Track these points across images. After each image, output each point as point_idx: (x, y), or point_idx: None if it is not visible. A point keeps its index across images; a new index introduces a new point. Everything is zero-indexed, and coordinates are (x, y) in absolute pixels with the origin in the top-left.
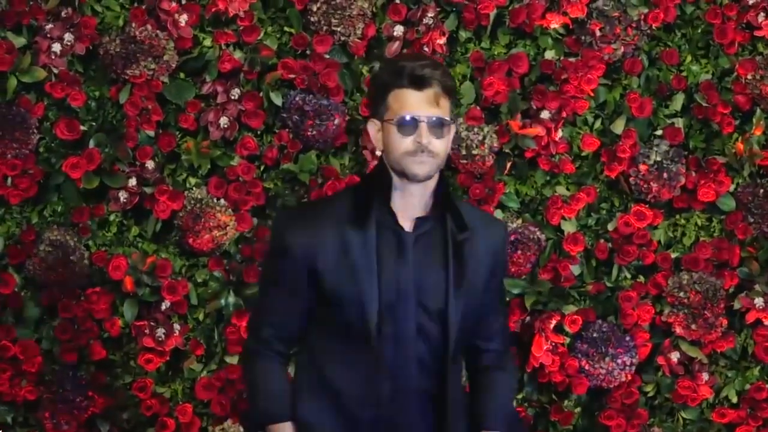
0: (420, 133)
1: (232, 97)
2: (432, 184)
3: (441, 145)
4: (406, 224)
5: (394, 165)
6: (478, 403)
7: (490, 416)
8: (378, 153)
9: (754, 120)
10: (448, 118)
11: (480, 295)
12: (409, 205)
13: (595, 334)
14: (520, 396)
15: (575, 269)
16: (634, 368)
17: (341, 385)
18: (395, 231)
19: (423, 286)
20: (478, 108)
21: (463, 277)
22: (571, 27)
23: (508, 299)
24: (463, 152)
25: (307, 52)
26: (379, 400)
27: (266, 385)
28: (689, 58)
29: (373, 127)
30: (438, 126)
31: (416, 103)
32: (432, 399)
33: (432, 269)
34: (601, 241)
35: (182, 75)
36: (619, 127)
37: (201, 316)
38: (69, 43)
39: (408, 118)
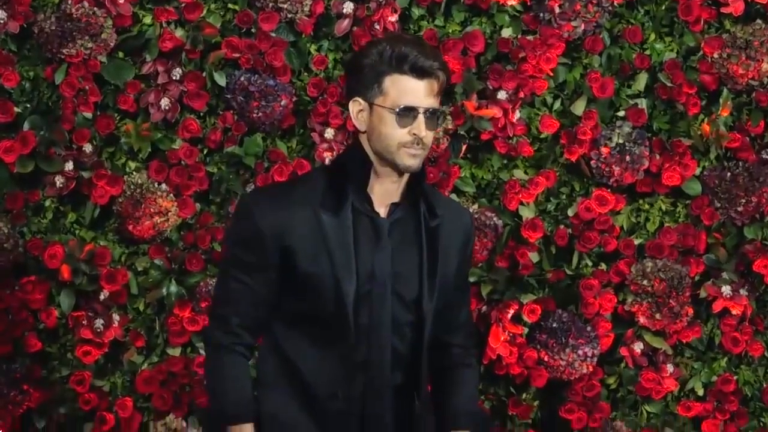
0: (418, 125)
1: (174, 78)
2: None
3: (432, 137)
4: (381, 210)
5: (384, 153)
6: (446, 402)
7: (459, 416)
8: (363, 130)
9: (720, 100)
10: (443, 110)
11: (452, 283)
12: (387, 191)
13: (554, 324)
14: None
15: (534, 256)
16: (595, 360)
17: (310, 378)
18: (371, 217)
19: (398, 275)
20: None
21: (437, 266)
22: (528, 3)
23: None
24: None
25: (253, 30)
26: (350, 394)
27: (229, 383)
28: (653, 35)
29: (356, 107)
30: (434, 118)
31: (417, 92)
32: (402, 392)
33: (407, 257)
34: (561, 227)
35: (121, 54)
36: (579, 108)
37: (141, 306)
38: (2, 21)
39: (409, 107)
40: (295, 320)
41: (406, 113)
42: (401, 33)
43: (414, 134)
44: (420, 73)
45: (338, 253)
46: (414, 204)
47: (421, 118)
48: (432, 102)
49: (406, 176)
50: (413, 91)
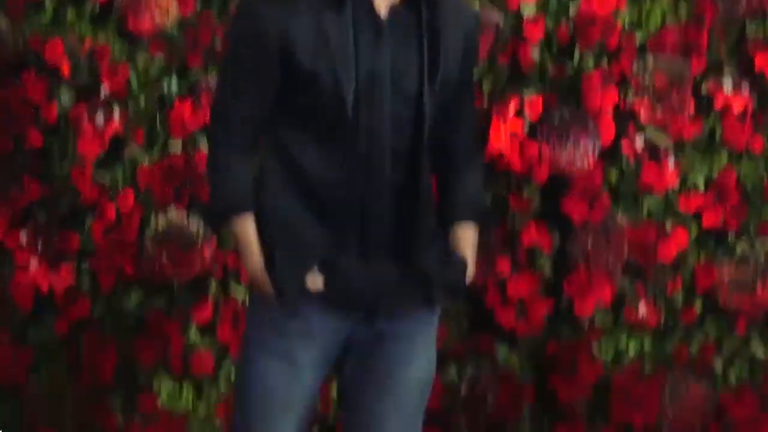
0: None
1: None
2: None
3: None
4: (382, 11)
5: None
6: (447, 198)
7: (459, 207)
8: None
9: None
10: None
11: (455, 80)
12: None
13: (556, 119)
14: None
15: (535, 53)
16: (597, 154)
17: (311, 176)
18: (371, 15)
19: (398, 72)
20: None
21: (438, 64)
22: None
23: None
24: None
25: None
26: (350, 192)
27: (228, 177)
28: None
29: None
30: None
31: None
32: (403, 193)
33: (407, 55)
34: (563, 22)
35: None
36: None
37: (142, 102)
38: None
39: None
40: (295, 119)
41: None
42: None
43: None
44: None
45: (338, 51)
46: (416, 6)
47: None
48: None
49: None
50: None
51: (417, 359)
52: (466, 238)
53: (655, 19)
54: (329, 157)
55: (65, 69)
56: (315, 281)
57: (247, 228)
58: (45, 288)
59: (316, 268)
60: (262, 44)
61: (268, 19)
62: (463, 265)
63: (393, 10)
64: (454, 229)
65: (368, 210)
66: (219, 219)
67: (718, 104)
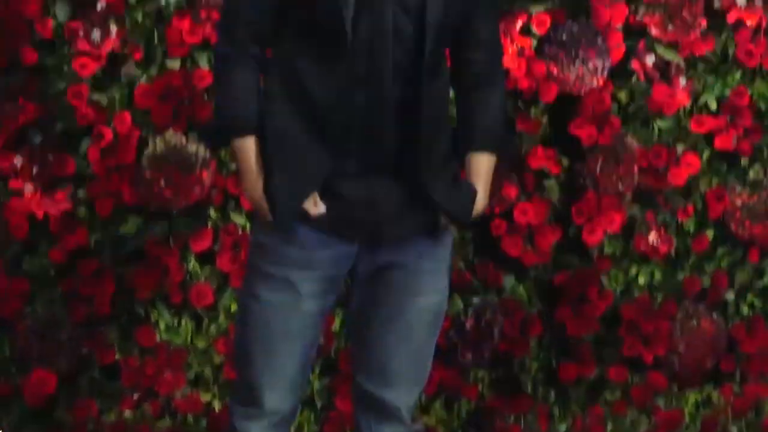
0: None
1: None
2: None
3: None
4: None
5: None
6: (465, 123)
7: (476, 136)
8: None
9: None
10: None
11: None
12: None
13: (564, 36)
14: None
15: None
16: (606, 72)
17: (312, 91)
18: None
19: None
20: None
21: None
22: None
23: None
24: None
25: None
26: (351, 107)
27: (233, 94)
28: None
29: None
30: None
31: None
32: (406, 112)
33: None
34: None
35: None
36: None
37: (140, 17)
38: None
39: None
40: (297, 35)
41: None
42: None
43: None
44: None
45: None
46: None
47: None
48: None
49: None
50: None
51: (425, 290)
52: (480, 167)
53: None
54: (329, 75)
55: None
56: (314, 206)
57: (249, 150)
58: (40, 215)
59: (315, 192)
60: None
61: None
62: (472, 193)
63: None
64: (470, 157)
65: (370, 129)
66: (221, 137)
67: (731, 19)
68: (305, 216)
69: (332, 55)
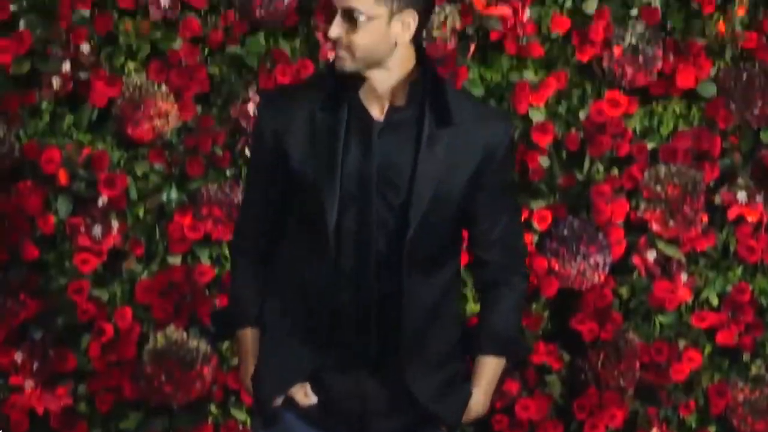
0: (332, 24)
1: None
2: (397, 75)
3: (356, 41)
4: (377, 112)
5: None
6: (478, 323)
7: (484, 338)
8: None
9: None
10: (363, 12)
11: (456, 195)
12: (374, 94)
13: (565, 232)
14: None
15: (544, 161)
16: (607, 268)
17: (305, 282)
18: (363, 118)
19: (387, 178)
20: None
21: (434, 173)
22: None
23: None
24: (423, 34)
25: None
26: (339, 298)
27: (237, 288)
28: None
29: None
30: (350, 19)
31: None
32: (394, 305)
33: (399, 161)
34: (572, 130)
35: None
36: (591, 6)
37: (141, 213)
38: None
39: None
40: (295, 225)
41: (335, 11)
42: None
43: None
44: None
45: (325, 155)
46: (420, 109)
47: (336, 18)
48: (348, 1)
49: (391, 81)
50: None
51: None
52: (484, 370)
53: (667, 125)
54: (319, 267)
55: (62, 177)
56: (304, 396)
57: (246, 340)
58: (41, 410)
59: (307, 383)
60: (265, 149)
61: (267, 123)
62: (466, 397)
63: (393, 111)
64: (477, 358)
65: (355, 323)
66: (226, 327)
67: (732, 215)
68: (293, 404)
69: (320, 247)
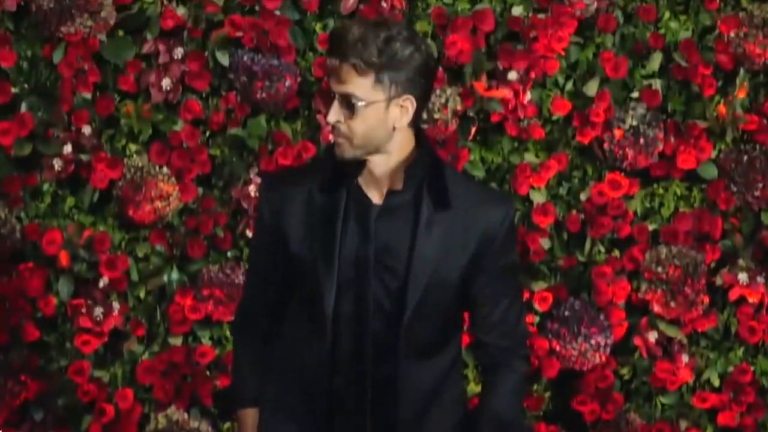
0: (329, 111)
1: (175, 57)
2: (395, 159)
3: (354, 127)
4: (376, 195)
5: None
6: (477, 408)
7: (482, 423)
8: None
9: (737, 81)
10: (360, 97)
11: (454, 279)
12: (372, 177)
13: (566, 313)
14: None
15: (545, 243)
16: (608, 349)
17: (303, 363)
18: (362, 202)
19: (384, 262)
20: (440, 68)
21: (432, 257)
22: None
23: None
24: (424, 116)
25: (256, 8)
26: (336, 380)
27: (237, 368)
28: (667, 14)
29: None
30: (347, 105)
31: (334, 74)
32: (390, 388)
33: (397, 245)
34: (573, 212)
35: (121, 33)
36: (592, 89)
37: (142, 294)
38: None
39: (332, 90)
40: (295, 307)
41: (333, 96)
42: (375, 18)
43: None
44: (334, 54)
45: (323, 238)
46: (419, 192)
47: (334, 103)
48: (342, 88)
49: (390, 165)
50: (332, 73)
51: None
52: None
53: (668, 206)
54: (317, 348)
55: (63, 259)
56: None
57: (245, 421)
58: None
59: None
60: (265, 229)
61: (267, 204)
62: None
63: (391, 195)
64: None
65: (351, 405)
66: (231, 407)
67: (733, 296)
68: None
69: (318, 329)
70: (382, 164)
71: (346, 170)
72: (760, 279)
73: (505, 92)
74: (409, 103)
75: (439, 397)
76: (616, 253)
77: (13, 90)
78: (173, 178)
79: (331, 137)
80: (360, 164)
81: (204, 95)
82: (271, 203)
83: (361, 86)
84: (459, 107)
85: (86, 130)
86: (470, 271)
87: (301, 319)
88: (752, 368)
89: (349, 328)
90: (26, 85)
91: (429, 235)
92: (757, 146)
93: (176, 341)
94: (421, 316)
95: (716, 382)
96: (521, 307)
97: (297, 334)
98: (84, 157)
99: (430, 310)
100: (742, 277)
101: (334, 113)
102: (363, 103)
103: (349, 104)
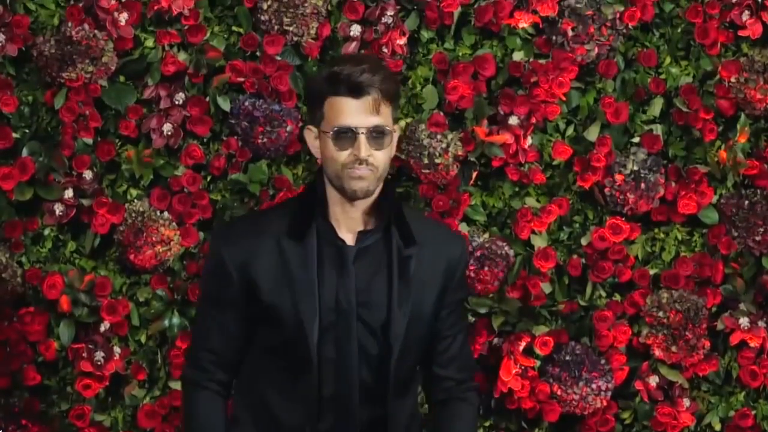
0: (358, 146)
1: (177, 102)
2: (373, 197)
3: (382, 157)
4: (348, 237)
5: (333, 179)
6: None
7: None
8: (318, 157)
9: (738, 126)
10: (388, 127)
11: (428, 314)
12: (349, 218)
13: (567, 357)
14: (487, 423)
15: (546, 287)
16: (609, 394)
17: (279, 414)
18: (336, 244)
19: (365, 303)
20: (441, 113)
21: (409, 293)
22: (541, 26)
23: (474, 319)
24: (425, 161)
25: (257, 53)
26: (318, 424)
27: (195, 422)
28: (668, 59)
29: (310, 135)
30: (379, 136)
31: (354, 112)
32: (375, 427)
33: (374, 284)
34: (574, 256)
35: (122, 78)
36: (593, 134)
37: (143, 339)
38: (0, 44)
39: (345, 128)
40: (265, 354)
41: (344, 135)
42: (351, 54)
43: (355, 155)
44: (354, 91)
45: (300, 284)
46: (387, 231)
47: (361, 138)
48: (374, 120)
49: (367, 202)
50: (348, 110)
51: None
52: None
53: (669, 251)
54: (295, 397)
55: (64, 304)
56: None
57: None
58: None
59: None
60: (227, 281)
61: (230, 255)
62: None
63: (362, 236)
64: None
65: None
66: None
67: (734, 340)
68: None
69: (298, 377)
70: (370, 199)
71: (314, 212)
72: (761, 323)
73: (506, 137)
74: (399, 130)
75: (412, 428)
76: (617, 297)
77: (15, 135)
78: (174, 223)
79: (352, 173)
80: (325, 207)
81: (205, 140)
82: (234, 258)
83: (387, 116)
84: (460, 152)
85: (87, 174)
86: (438, 305)
87: (269, 368)
88: (753, 413)
89: (333, 373)
90: (27, 130)
91: (404, 271)
92: (758, 191)
93: (177, 385)
94: (406, 354)
95: (717, 427)
96: (468, 341)
97: (265, 384)
98: (85, 201)
99: (412, 347)
100: (743, 321)
101: (365, 147)
102: (391, 131)
103: (377, 136)
